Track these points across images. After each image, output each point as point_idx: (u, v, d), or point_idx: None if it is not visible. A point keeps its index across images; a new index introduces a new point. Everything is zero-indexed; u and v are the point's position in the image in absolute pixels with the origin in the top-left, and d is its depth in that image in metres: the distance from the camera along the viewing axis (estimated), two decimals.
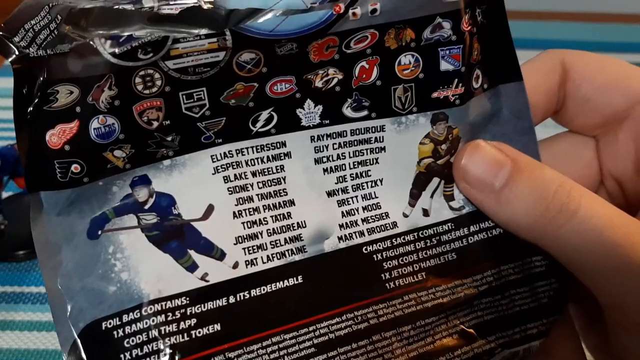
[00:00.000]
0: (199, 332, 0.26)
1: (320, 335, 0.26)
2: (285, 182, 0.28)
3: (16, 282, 0.57)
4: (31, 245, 0.56)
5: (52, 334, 0.52)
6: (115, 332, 0.25)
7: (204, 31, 0.25)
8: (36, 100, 0.24)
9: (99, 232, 0.26)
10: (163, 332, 0.25)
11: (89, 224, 0.26)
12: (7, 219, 0.60)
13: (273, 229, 0.27)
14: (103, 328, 0.25)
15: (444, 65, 0.28)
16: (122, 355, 0.25)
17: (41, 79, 0.24)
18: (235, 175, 0.27)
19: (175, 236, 0.26)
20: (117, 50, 0.24)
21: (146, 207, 0.26)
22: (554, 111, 0.32)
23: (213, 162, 0.27)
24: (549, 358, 0.30)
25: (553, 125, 0.33)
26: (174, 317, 0.26)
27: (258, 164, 0.27)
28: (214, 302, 0.26)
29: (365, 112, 0.28)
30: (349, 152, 0.28)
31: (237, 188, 0.27)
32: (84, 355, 0.25)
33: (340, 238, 0.28)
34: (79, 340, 0.25)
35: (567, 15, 0.97)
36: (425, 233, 0.29)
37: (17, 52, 0.24)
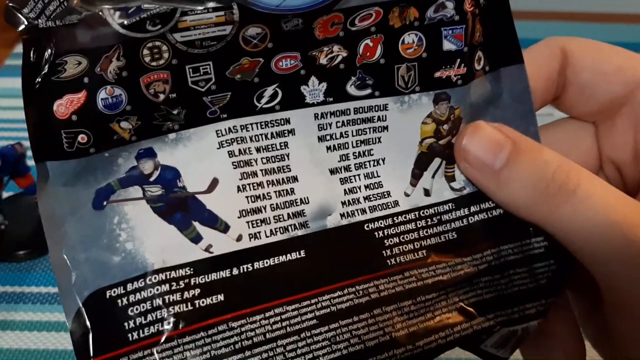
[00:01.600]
0: (203, 302, 0.26)
1: (322, 307, 0.27)
2: (288, 159, 0.28)
3: (16, 282, 0.57)
4: (31, 245, 0.58)
5: (52, 334, 0.52)
6: (119, 301, 0.25)
7: (211, 4, 0.25)
8: (44, 71, 0.24)
9: (104, 203, 0.26)
10: (167, 301, 0.25)
11: (94, 195, 0.26)
12: (7, 219, 0.60)
13: (276, 203, 0.28)
14: (107, 297, 0.25)
15: (447, 45, 0.28)
16: (125, 324, 0.25)
17: (50, 49, 0.24)
18: (239, 150, 0.27)
19: (180, 208, 0.26)
20: (126, 21, 0.24)
21: (151, 179, 0.26)
22: (553, 98, 0.33)
23: (218, 136, 0.27)
24: (546, 338, 0.30)
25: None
26: (178, 287, 0.26)
27: (262, 140, 0.27)
28: (218, 273, 0.26)
29: (368, 91, 0.28)
30: (352, 131, 0.28)
31: (241, 163, 0.27)
32: (88, 324, 0.25)
33: (342, 215, 0.28)
34: (83, 309, 0.25)
35: (567, 15, 0.97)
36: (426, 212, 0.29)
37: (26, 23, 0.24)
